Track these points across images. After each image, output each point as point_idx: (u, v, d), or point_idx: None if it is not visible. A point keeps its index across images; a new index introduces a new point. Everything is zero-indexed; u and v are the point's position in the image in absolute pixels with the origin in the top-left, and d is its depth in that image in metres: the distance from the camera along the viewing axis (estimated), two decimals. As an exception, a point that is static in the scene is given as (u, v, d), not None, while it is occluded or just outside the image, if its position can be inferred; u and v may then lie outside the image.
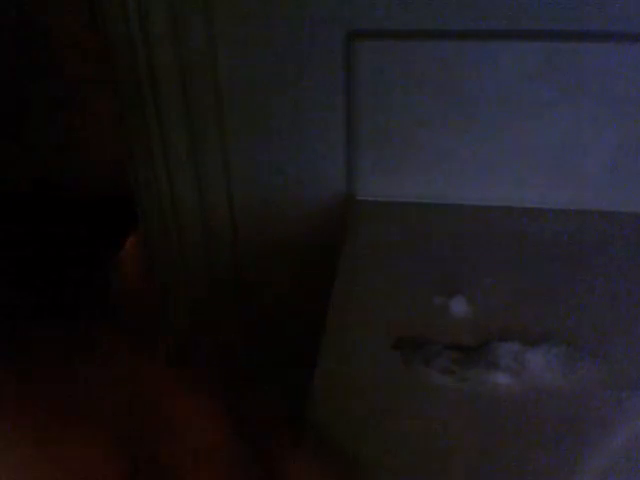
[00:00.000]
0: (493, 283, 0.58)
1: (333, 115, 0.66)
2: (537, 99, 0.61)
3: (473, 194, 0.68)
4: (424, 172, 0.67)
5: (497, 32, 0.60)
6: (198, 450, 0.34)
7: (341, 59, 0.63)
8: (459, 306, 0.55)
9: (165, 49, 0.65)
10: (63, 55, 1.44)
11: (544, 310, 0.55)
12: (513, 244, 0.62)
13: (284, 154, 0.70)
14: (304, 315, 0.75)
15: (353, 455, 0.43)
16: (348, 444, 0.44)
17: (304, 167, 0.70)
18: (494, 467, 0.43)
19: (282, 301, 0.81)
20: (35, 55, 1.45)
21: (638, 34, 0.58)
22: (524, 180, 0.66)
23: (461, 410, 0.47)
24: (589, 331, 0.53)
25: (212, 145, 0.71)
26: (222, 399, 0.37)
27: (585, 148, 0.63)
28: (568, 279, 0.58)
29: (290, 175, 0.71)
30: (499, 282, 0.58)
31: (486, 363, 0.50)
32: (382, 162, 0.67)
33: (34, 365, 0.35)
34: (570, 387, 0.48)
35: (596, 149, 0.63)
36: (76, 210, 1.30)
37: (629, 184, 0.65)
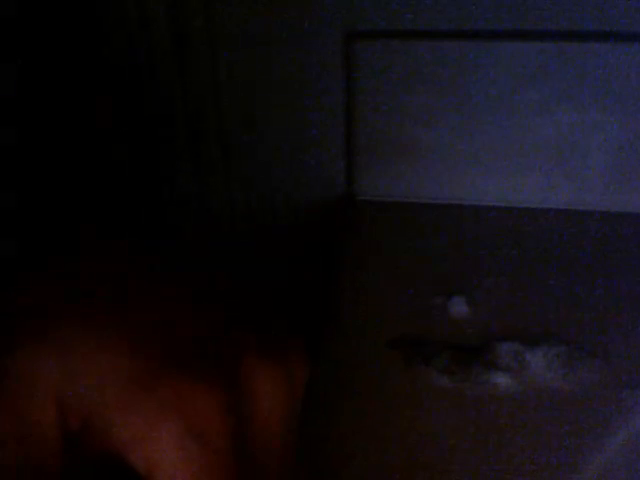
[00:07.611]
0: (493, 283, 0.58)
1: (333, 115, 0.66)
2: (537, 99, 0.61)
3: (473, 194, 0.68)
4: (424, 172, 0.67)
5: (497, 32, 0.60)
6: None
7: (341, 59, 0.63)
8: (459, 306, 0.55)
9: (165, 49, 0.65)
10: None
11: (544, 310, 0.55)
12: (513, 244, 0.62)
13: (284, 154, 0.70)
14: (303, 315, 0.75)
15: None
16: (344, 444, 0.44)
17: (304, 167, 0.70)
18: (494, 467, 0.43)
19: (281, 301, 0.81)
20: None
21: (638, 34, 0.58)
22: (524, 180, 0.66)
23: (461, 410, 0.47)
24: (589, 331, 0.53)
25: (212, 145, 0.71)
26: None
27: (585, 148, 0.63)
28: (568, 279, 0.58)
29: (290, 175, 0.71)
30: (499, 282, 0.58)
31: (486, 363, 0.50)
32: (382, 162, 0.67)
33: None
34: (570, 387, 0.48)
35: (596, 149, 0.63)
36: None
37: (629, 184, 0.65)
